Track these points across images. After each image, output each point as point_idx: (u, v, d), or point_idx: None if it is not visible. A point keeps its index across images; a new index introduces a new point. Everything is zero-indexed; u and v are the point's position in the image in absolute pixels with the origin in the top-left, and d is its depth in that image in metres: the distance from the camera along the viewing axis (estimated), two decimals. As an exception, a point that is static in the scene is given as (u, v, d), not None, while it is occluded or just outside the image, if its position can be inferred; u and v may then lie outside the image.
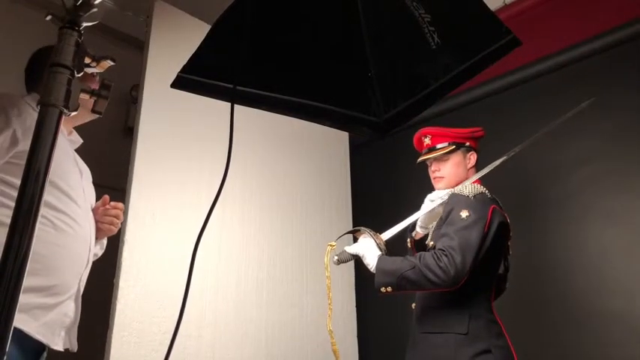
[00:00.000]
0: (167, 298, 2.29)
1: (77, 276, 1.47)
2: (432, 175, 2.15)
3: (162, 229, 2.40)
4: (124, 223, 2.28)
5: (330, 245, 1.90)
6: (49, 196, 1.37)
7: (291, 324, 2.81)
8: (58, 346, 1.41)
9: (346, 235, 2.14)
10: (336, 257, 1.90)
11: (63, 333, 1.42)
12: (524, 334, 2.58)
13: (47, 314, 1.35)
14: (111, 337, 2.10)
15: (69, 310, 1.44)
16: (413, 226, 2.11)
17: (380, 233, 1.92)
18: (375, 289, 1.81)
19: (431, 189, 2.16)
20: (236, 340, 2.55)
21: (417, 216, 2.03)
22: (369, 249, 1.85)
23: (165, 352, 0.91)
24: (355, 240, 1.96)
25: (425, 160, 2.18)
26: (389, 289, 1.79)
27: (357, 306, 3.19)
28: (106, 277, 2.27)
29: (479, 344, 1.74)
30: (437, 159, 2.12)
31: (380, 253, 1.84)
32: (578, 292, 2.59)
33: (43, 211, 1.27)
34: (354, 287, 3.18)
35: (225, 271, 2.60)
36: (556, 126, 2.13)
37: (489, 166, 2.06)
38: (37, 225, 0.69)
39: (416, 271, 1.75)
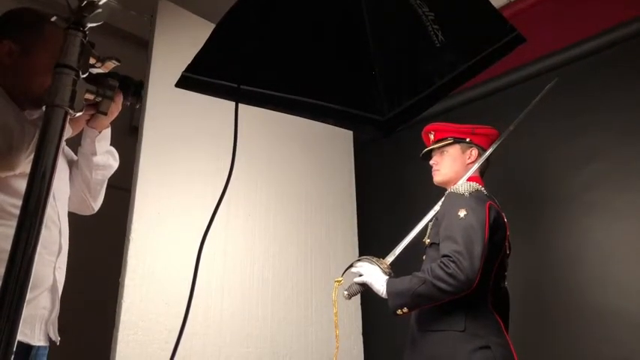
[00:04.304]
0: (173, 297, 2.29)
1: (50, 265, 1.37)
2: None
3: (168, 228, 2.40)
4: (129, 222, 2.29)
5: (337, 281, 1.90)
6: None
7: (296, 322, 2.81)
8: (40, 341, 1.34)
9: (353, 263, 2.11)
10: (345, 292, 1.90)
11: (43, 327, 1.35)
12: (525, 332, 2.58)
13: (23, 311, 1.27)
14: (117, 336, 2.11)
15: (46, 302, 1.36)
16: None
17: (382, 258, 1.92)
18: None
19: (435, 187, 2.18)
20: (241, 338, 2.55)
21: (417, 230, 2.03)
22: (375, 276, 1.85)
23: (171, 351, 0.92)
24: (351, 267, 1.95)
25: (428, 154, 2.20)
26: (405, 309, 1.78)
27: (362, 303, 3.19)
28: (111, 275, 2.29)
29: (477, 341, 1.75)
30: (436, 152, 2.15)
31: (386, 277, 1.84)
32: (582, 290, 2.58)
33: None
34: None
35: (230, 270, 2.61)
36: (526, 113, 2.16)
37: (477, 162, 2.07)
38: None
39: (427, 285, 1.75)
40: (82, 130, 1.54)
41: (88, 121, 1.51)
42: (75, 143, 1.57)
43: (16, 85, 1.33)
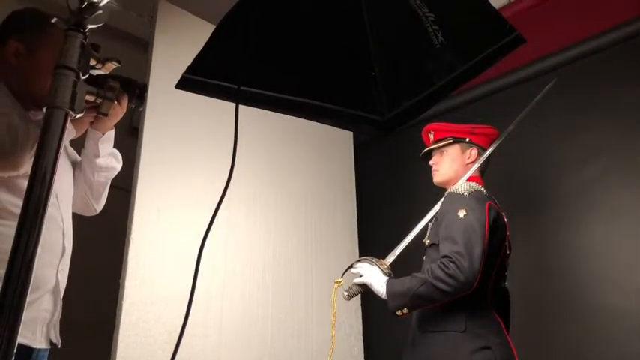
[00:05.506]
0: (173, 298, 2.30)
1: (53, 267, 1.36)
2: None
3: (168, 228, 2.41)
4: (129, 223, 2.29)
5: (337, 282, 1.90)
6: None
7: (297, 324, 2.81)
8: (42, 344, 1.33)
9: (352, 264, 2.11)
10: (345, 293, 1.91)
11: (44, 329, 1.34)
12: (526, 332, 2.57)
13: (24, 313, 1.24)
14: (117, 337, 2.11)
15: (48, 304, 1.35)
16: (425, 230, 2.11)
17: (382, 258, 1.92)
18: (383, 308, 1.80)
19: (435, 187, 2.18)
20: (242, 339, 2.55)
21: (417, 230, 2.03)
22: (375, 276, 1.85)
23: (171, 352, 0.92)
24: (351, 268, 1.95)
25: (428, 154, 2.20)
26: (404, 310, 1.78)
27: (362, 304, 3.19)
28: (111, 276, 2.29)
29: (478, 341, 1.75)
30: (436, 152, 2.15)
31: (386, 278, 1.84)
32: (583, 289, 2.58)
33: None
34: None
35: (230, 271, 2.61)
36: (525, 114, 2.16)
37: (477, 162, 2.07)
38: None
39: (427, 285, 1.74)
40: (86, 131, 1.54)
41: (92, 123, 1.51)
42: (79, 145, 1.57)
43: (21, 86, 1.34)
